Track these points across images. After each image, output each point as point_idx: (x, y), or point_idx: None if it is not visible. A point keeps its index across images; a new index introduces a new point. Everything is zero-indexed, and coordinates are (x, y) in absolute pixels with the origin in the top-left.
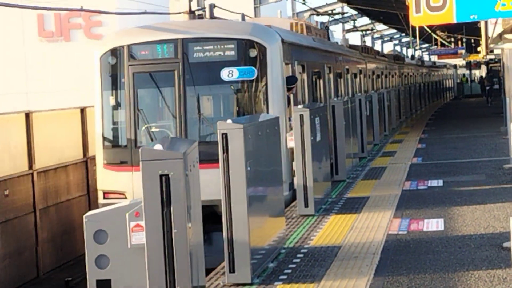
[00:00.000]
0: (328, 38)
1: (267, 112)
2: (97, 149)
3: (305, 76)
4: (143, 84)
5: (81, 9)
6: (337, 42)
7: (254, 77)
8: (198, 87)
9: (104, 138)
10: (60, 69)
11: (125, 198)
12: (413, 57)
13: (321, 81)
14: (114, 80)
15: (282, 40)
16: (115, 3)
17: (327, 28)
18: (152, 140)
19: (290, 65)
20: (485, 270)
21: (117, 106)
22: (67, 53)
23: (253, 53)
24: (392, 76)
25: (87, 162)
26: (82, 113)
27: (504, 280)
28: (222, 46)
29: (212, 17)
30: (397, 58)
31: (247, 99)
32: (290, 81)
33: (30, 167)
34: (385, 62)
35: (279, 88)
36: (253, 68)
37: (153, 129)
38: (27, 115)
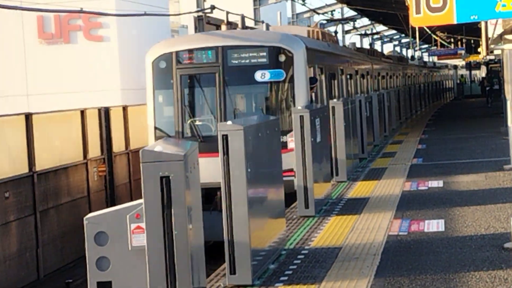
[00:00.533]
0: (337, 42)
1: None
2: (149, 139)
3: (323, 77)
4: (189, 84)
5: (81, 11)
6: (345, 45)
7: (283, 78)
8: (235, 87)
9: (156, 130)
10: (60, 71)
11: None
12: (413, 57)
13: (336, 81)
14: (164, 81)
15: (306, 47)
16: (114, 4)
17: (336, 32)
18: (196, 131)
19: (312, 68)
20: (486, 271)
21: (166, 103)
22: (67, 55)
23: (282, 58)
24: (397, 77)
25: (87, 164)
26: (82, 115)
27: (505, 281)
28: (256, 52)
29: (244, 27)
30: (400, 59)
31: (276, 97)
32: (312, 81)
33: (31, 169)
34: (390, 63)
35: (303, 87)
36: (282, 70)
37: (197, 123)
38: (27, 117)
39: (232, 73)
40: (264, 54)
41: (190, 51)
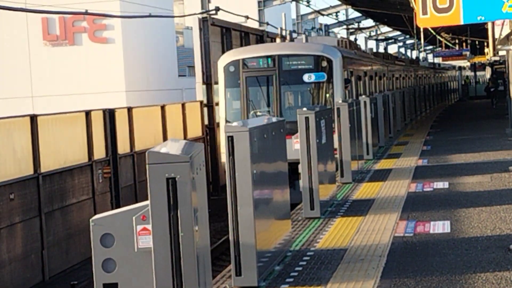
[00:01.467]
0: (359, 49)
1: (333, 103)
2: (221, 127)
3: (352, 78)
4: (252, 84)
5: (86, 13)
6: (365, 51)
7: (324, 79)
8: (287, 86)
9: (226, 120)
10: (65, 72)
11: None
12: (417, 59)
13: (361, 82)
14: (232, 81)
15: (341, 55)
16: (119, 6)
17: (356, 40)
18: None
19: (345, 71)
20: (492, 272)
21: (234, 98)
22: (72, 56)
23: (324, 64)
24: (408, 78)
25: (92, 166)
26: (87, 117)
27: (511, 282)
28: (304, 59)
29: (292, 39)
30: (412, 62)
31: (319, 94)
32: (346, 81)
33: (36, 170)
34: (402, 66)
35: (340, 86)
36: (324, 73)
37: (258, 114)
38: (32, 119)
39: (285, 75)
40: (310, 60)
41: (253, 58)
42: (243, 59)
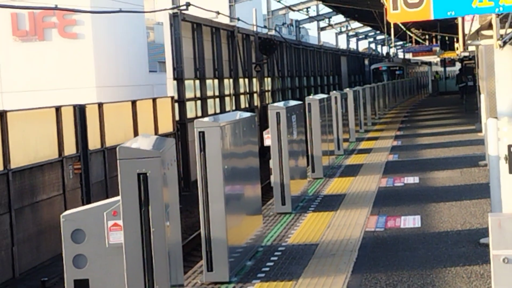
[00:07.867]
0: (408, 61)
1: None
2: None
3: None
4: (380, 75)
5: (56, 8)
6: (408, 60)
7: (402, 73)
8: (391, 75)
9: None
10: (35, 68)
11: None
12: (388, 54)
13: (409, 73)
14: (375, 75)
15: (406, 64)
16: (89, 1)
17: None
18: None
19: (408, 68)
20: (463, 266)
21: (375, 80)
22: (42, 52)
23: (402, 68)
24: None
25: (62, 162)
26: (57, 112)
27: (481, 276)
28: (396, 67)
29: (390, 59)
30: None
31: (401, 77)
32: (407, 72)
33: (5, 166)
34: (416, 64)
35: (406, 75)
36: (402, 71)
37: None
38: (2, 115)
39: (391, 72)
40: (397, 67)
41: (381, 66)
42: (378, 67)
